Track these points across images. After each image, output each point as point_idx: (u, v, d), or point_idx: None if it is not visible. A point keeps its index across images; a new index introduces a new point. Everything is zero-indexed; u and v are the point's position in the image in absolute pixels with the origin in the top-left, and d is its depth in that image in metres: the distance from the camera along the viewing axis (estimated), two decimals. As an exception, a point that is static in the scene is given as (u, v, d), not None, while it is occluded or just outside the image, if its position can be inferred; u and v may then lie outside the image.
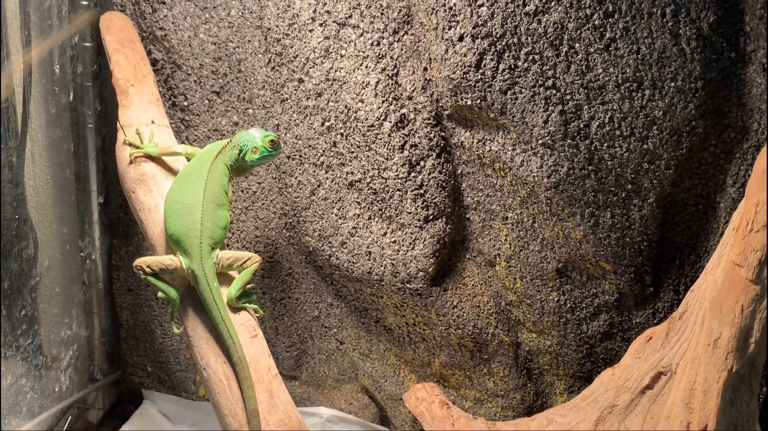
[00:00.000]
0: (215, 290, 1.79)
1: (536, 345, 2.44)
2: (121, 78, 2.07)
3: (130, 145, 2.00)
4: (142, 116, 2.04)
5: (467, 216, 2.36)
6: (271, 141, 2.00)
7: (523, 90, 2.05)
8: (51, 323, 2.26)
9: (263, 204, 2.45)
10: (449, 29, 2.03)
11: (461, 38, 2.02)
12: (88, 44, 2.34)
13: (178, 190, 1.85)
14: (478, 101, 2.07)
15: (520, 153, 2.14)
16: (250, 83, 2.33)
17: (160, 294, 1.83)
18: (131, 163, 1.98)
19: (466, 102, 2.09)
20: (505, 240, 2.32)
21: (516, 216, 2.26)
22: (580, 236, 2.20)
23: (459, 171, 2.30)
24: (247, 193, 2.45)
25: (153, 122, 2.05)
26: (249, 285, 1.89)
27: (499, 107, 2.07)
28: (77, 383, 2.48)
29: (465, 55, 2.03)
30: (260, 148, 1.99)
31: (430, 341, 2.46)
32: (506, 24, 2.00)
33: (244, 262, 1.86)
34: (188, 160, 2.01)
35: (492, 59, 2.03)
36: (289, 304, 2.59)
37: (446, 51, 2.05)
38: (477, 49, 2.02)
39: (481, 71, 2.04)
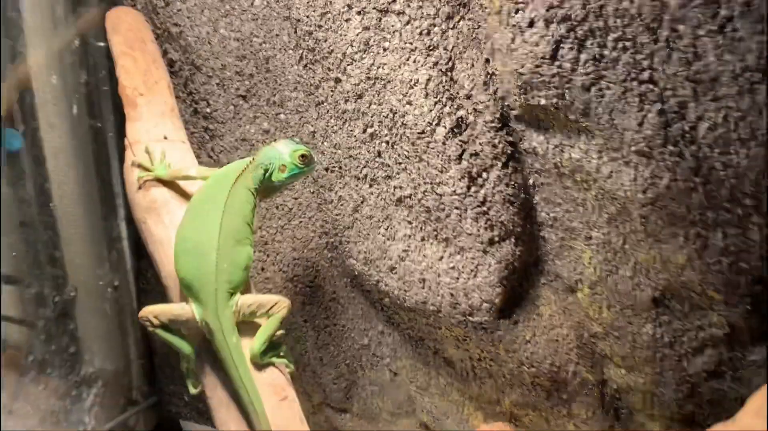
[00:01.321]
0: (234, 347, 1.48)
1: (626, 383, 2.06)
2: (129, 86, 1.77)
3: (139, 166, 1.71)
4: (152, 131, 1.75)
5: (542, 234, 1.97)
6: (302, 156, 1.68)
7: (611, 85, 1.63)
8: (70, 361, 2.02)
9: (301, 222, 2.13)
10: (516, 12, 1.63)
11: (531, 23, 1.62)
12: (102, 44, 2.06)
13: (190, 224, 1.54)
14: (555, 100, 1.67)
15: (608, 162, 1.73)
16: (280, 84, 1.99)
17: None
18: (140, 188, 1.68)
19: (539, 101, 1.69)
20: (589, 263, 1.93)
21: (602, 236, 1.86)
22: (683, 261, 1.79)
23: (531, 181, 1.90)
24: (283, 209, 2.13)
25: (165, 138, 1.75)
26: (279, 332, 1.57)
27: (581, 107, 1.66)
28: (105, 418, 2.25)
29: (536, 44, 1.63)
30: (289, 166, 1.67)
31: (499, 378, 2.11)
32: (589, 4, 1.58)
33: (270, 308, 1.55)
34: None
35: (571, 48, 1.62)
36: (334, 332, 2.28)
37: (513, 40, 1.66)
38: (552, 36, 1.61)
39: (557, 63, 1.63)
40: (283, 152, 1.67)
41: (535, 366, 2.01)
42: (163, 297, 2.46)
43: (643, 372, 1.99)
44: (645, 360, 1.96)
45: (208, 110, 2.06)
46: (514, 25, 1.65)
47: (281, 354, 1.59)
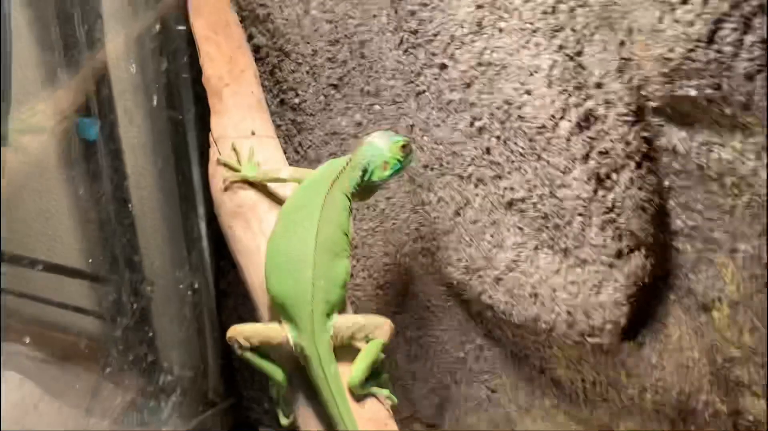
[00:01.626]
0: (332, 376, 1.29)
1: (765, 415, 1.78)
2: (213, 75, 1.60)
3: (225, 165, 1.53)
4: (239, 125, 1.56)
5: (675, 245, 1.71)
6: (403, 147, 1.46)
7: (782, 73, 1.35)
8: (148, 369, 1.89)
9: (394, 224, 1.92)
10: (667, -15, 1.36)
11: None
12: (182, 28, 1.89)
13: (282, 235, 1.35)
14: (709, 91, 1.40)
15: (769, 164, 1.45)
16: (376, 72, 1.78)
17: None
18: (226, 189, 1.50)
19: (687, 92, 1.43)
20: (731, 279, 1.66)
21: (751, 250, 1.59)
22: None
23: (667, 184, 1.64)
24: (374, 210, 1.93)
25: (253, 133, 1.57)
26: (380, 357, 1.38)
27: (742, 99, 1.38)
28: (182, 422, 2.12)
29: (691, 24, 1.36)
30: (391, 161, 1.46)
31: (615, 403, 1.87)
32: (764, -28, 1.30)
33: (371, 332, 1.34)
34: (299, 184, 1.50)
35: (734, 29, 1.34)
36: (427, 344, 2.07)
37: (660, 18, 1.39)
38: (711, 14, 1.34)
39: (715, 47, 1.36)
40: (382, 147, 1.46)
41: (660, 393, 1.76)
42: (245, 300, 2.32)
43: None
44: None
45: (296, 101, 1.87)
46: (662, 1, 1.38)
47: (381, 383, 1.39)
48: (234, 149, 1.54)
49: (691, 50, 1.37)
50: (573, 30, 1.53)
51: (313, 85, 1.83)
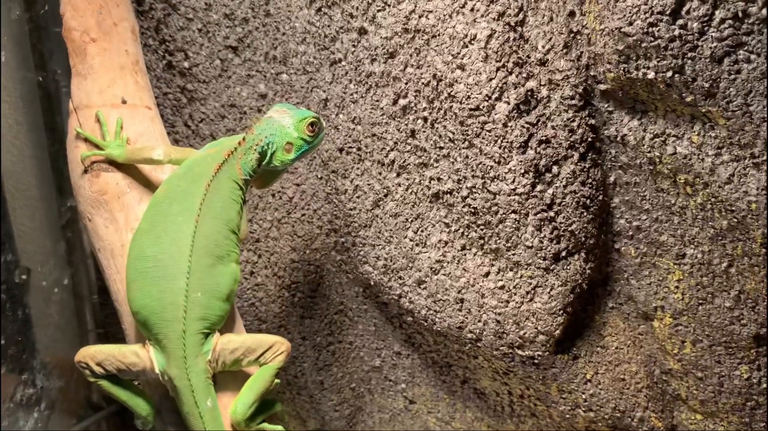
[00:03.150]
0: (208, 414, 1.02)
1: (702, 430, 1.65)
2: (76, 28, 1.28)
3: (85, 140, 1.22)
4: (106, 91, 1.26)
5: (617, 246, 1.53)
6: (311, 125, 1.20)
7: (753, 57, 1.16)
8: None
9: (304, 215, 1.66)
10: (630, -55, 1.14)
11: (651, -38, 1.13)
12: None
13: (148, 233, 1.06)
14: (669, 73, 1.19)
15: (730, 162, 1.27)
16: (283, 34, 1.50)
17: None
18: (86, 171, 1.20)
19: (644, 74, 1.22)
20: (677, 287, 1.50)
21: (701, 255, 1.43)
22: (811, 296, 1.35)
23: (612, 179, 1.45)
24: (280, 198, 1.66)
25: (124, 102, 1.26)
26: (274, 383, 1.12)
27: (706, 85, 1.19)
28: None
29: (655, -7, 1.14)
30: (296, 142, 1.20)
31: (543, 418, 1.69)
32: (744, -66, 1.10)
33: (262, 354, 1.08)
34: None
35: (703, 2, 1.14)
36: (339, 351, 1.83)
37: (620, -16, 1.17)
38: (679, -19, 1.12)
39: (680, 22, 1.16)
40: (286, 124, 1.19)
41: (594, 410, 1.59)
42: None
43: (726, 421, 1.60)
44: (732, 407, 1.57)
45: (186, 65, 1.56)
46: (624, -36, 1.16)
47: (273, 417, 1.13)
48: (98, 120, 1.23)
49: (653, 24, 1.16)
50: (515, -5, 1.29)
51: (206, 47, 1.53)
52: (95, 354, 1.05)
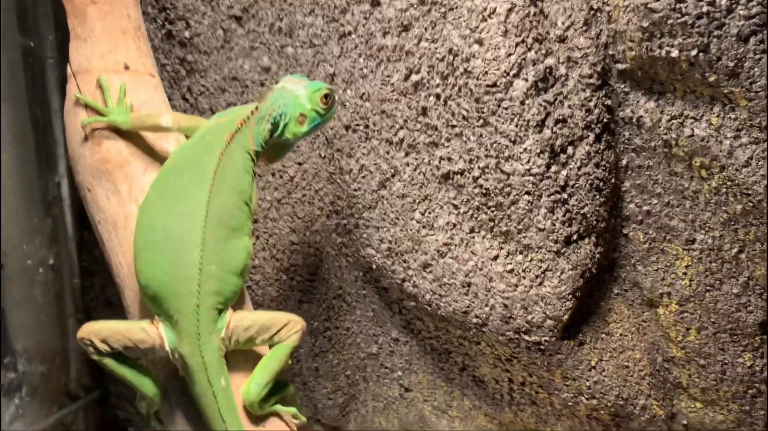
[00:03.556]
0: (222, 392, 0.97)
1: (700, 419, 1.66)
2: (75, -13, 1.20)
3: (86, 107, 1.15)
4: (108, 56, 1.19)
5: (625, 231, 1.51)
6: (325, 96, 1.16)
7: (781, 36, 1.14)
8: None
9: (304, 196, 1.61)
10: None
11: (682, -66, 1.11)
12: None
13: (159, 203, 1.01)
14: (694, 52, 1.17)
15: (749, 144, 1.26)
16: (290, 5, 1.45)
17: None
18: (86, 139, 1.13)
19: (668, 52, 1.20)
20: (685, 273, 1.49)
21: (711, 241, 1.42)
22: (821, 282, 1.35)
23: (624, 162, 1.43)
24: (281, 177, 1.60)
25: (127, 68, 1.20)
26: (289, 362, 1.07)
27: (731, 64, 1.17)
28: (33, 420, 1.73)
29: (685, -33, 1.12)
30: (310, 114, 1.15)
31: (544, 406, 1.67)
32: None
33: (276, 333, 1.03)
34: (186, 137, 1.15)
35: (734, -24, 1.12)
36: (335, 337, 1.79)
37: (648, -42, 1.14)
38: (710, -45, 1.10)
39: (708, 0, 1.13)
40: (300, 95, 1.14)
41: (597, 397, 1.57)
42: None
43: (726, 409, 1.59)
44: (732, 396, 1.56)
45: (186, 34, 1.49)
46: (654, -64, 1.13)
47: (287, 398, 1.08)
48: (100, 86, 1.17)
49: (681, 0, 1.13)
50: (537, -32, 1.26)
51: (209, 16, 1.47)
52: (100, 330, 0.99)
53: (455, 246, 1.48)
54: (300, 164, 1.59)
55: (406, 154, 1.46)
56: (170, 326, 0.99)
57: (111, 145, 1.14)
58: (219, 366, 0.99)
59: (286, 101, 1.14)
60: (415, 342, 1.76)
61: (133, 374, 1.01)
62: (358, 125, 1.48)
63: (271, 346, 1.06)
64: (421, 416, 1.88)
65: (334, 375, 1.85)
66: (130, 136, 1.16)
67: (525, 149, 1.33)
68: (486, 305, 1.49)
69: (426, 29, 1.33)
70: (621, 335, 1.58)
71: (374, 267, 1.61)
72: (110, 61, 1.20)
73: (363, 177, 1.52)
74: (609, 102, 1.36)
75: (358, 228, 1.58)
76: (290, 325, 1.05)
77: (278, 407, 1.07)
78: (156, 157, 1.17)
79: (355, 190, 1.54)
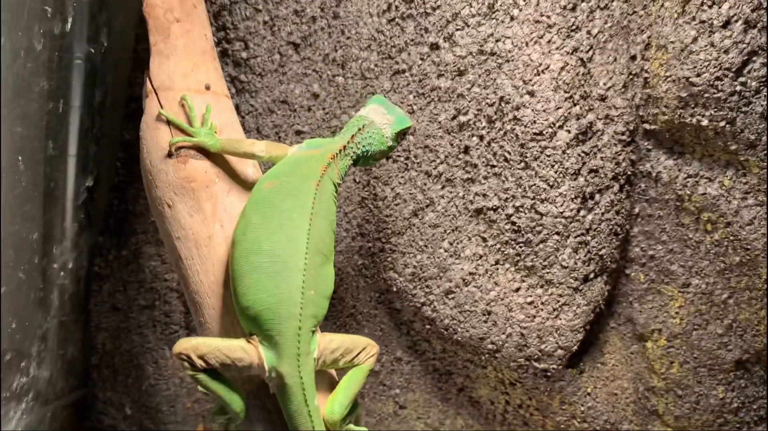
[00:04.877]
0: (315, 411, 1.02)
1: None
2: (160, 5, 1.22)
3: (169, 124, 1.17)
4: (191, 76, 1.22)
5: (628, 272, 1.65)
6: (403, 132, 1.23)
7: (796, 117, 1.32)
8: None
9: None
10: (711, 6, 1.26)
11: (727, 23, 1.27)
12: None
13: (263, 226, 1.05)
14: (722, 123, 1.33)
15: (754, 206, 1.43)
16: (348, 38, 1.51)
17: (215, 397, 1.05)
18: (170, 155, 1.15)
19: (698, 120, 1.35)
20: (677, 312, 1.65)
21: (705, 286, 1.58)
22: (798, 328, 1.54)
23: (637, 210, 1.57)
24: (315, 198, 1.65)
25: (208, 88, 1.22)
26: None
27: (751, 138, 1.34)
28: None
29: (726, 51, 1.28)
30: (387, 149, 1.22)
31: (535, 427, 1.80)
32: (812, 12, 1.26)
33: (357, 356, 1.10)
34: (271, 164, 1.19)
35: (765, 64, 1.29)
36: (342, 353, 1.83)
37: (695, 39, 1.30)
38: (749, 44, 1.27)
39: (742, 80, 1.30)
40: (386, 134, 1.21)
41: (588, 421, 1.71)
42: (126, 288, 1.89)
43: None
44: (702, 424, 1.74)
45: (243, 55, 1.52)
46: (703, 21, 1.29)
47: (357, 419, 1.15)
48: (184, 104, 1.19)
49: (719, 78, 1.29)
50: (589, 33, 1.39)
51: (268, 40, 1.51)
52: (198, 346, 1.02)
53: (479, 276, 1.59)
54: (334, 187, 1.65)
55: (443, 187, 1.55)
56: (269, 346, 1.03)
57: (197, 165, 1.16)
58: (313, 386, 1.04)
59: (372, 140, 1.20)
60: (418, 362, 1.84)
61: (225, 390, 1.04)
62: (399, 156, 1.55)
63: (345, 368, 1.12)
64: (412, 432, 1.96)
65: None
66: (215, 156, 1.19)
67: (560, 194, 1.46)
68: (503, 333, 1.60)
69: (480, 76, 1.43)
70: (613, 365, 1.73)
71: (395, 289, 1.68)
72: (192, 80, 1.23)
73: (396, 204, 1.60)
74: (633, 157, 1.51)
75: (383, 252, 1.66)
76: (368, 349, 1.12)
77: (353, 427, 1.13)
78: (236, 179, 1.20)
79: (387, 216, 1.61)
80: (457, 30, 1.41)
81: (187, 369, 1.02)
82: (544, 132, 1.41)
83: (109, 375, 1.96)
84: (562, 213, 1.47)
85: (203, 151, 1.18)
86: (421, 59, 1.46)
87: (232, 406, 1.05)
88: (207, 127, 1.18)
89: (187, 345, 1.02)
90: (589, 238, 1.51)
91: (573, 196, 1.45)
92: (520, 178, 1.47)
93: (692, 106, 1.35)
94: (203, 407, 1.93)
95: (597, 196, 1.49)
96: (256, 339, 1.04)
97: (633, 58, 1.42)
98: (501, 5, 1.38)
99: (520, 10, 1.38)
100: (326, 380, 1.15)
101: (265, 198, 1.09)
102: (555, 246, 1.50)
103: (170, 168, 1.17)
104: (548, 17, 1.37)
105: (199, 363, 1.02)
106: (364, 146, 1.19)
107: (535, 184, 1.46)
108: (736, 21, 1.26)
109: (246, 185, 1.20)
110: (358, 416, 1.17)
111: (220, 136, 1.20)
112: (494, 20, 1.39)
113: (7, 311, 1.40)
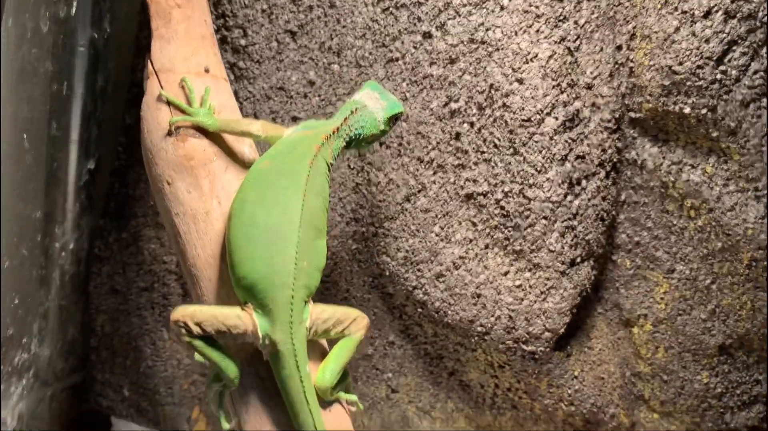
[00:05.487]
0: (306, 377, 1.07)
1: (656, 428, 1.87)
2: (162, -11, 1.27)
3: (169, 104, 1.22)
4: (191, 59, 1.26)
5: (614, 258, 1.70)
6: (395, 117, 1.28)
7: (774, 105, 1.37)
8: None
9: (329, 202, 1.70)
10: (692, -4, 1.31)
11: (708, 13, 1.32)
12: None
13: (258, 202, 1.10)
14: (704, 111, 1.38)
15: (735, 193, 1.48)
16: (343, 26, 1.55)
17: (206, 362, 1.10)
18: (170, 134, 1.20)
19: (680, 108, 1.40)
20: (662, 298, 1.70)
21: (689, 272, 1.63)
22: (778, 313, 1.59)
23: (623, 197, 1.62)
24: (310, 183, 1.69)
25: (207, 71, 1.27)
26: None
27: (731, 125, 1.39)
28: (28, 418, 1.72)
29: (707, 41, 1.33)
30: (379, 133, 1.27)
31: (524, 411, 1.84)
32: (789, 3, 1.31)
33: (347, 326, 1.14)
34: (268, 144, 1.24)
35: (744, 53, 1.34)
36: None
37: (677, 29, 1.35)
38: (729, 34, 1.32)
39: (722, 68, 1.35)
40: (379, 118, 1.26)
41: (575, 404, 1.75)
42: (125, 270, 1.93)
43: (680, 420, 1.81)
44: (687, 408, 1.78)
45: (242, 42, 1.57)
46: (684, 12, 1.34)
47: (348, 387, 1.19)
48: (184, 85, 1.24)
49: (700, 67, 1.34)
50: (576, 23, 1.44)
51: (266, 28, 1.56)
52: (194, 313, 1.06)
53: (469, 260, 1.63)
54: (329, 173, 1.69)
55: (434, 173, 1.59)
56: (263, 314, 1.08)
57: (196, 143, 1.21)
58: (305, 353, 1.09)
59: (364, 123, 1.25)
60: (410, 346, 1.89)
61: (220, 356, 1.08)
62: (392, 142, 1.60)
63: (337, 339, 1.17)
64: (404, 416, 2.00)
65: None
66: (213, 136, 1.23)
67: (548, 179, 1.50)
68: (492, 315, 1.65)
69: (471, 64, 1.48)
70: (600, 349, 1.77)
71: (387, 274, 1.73)
72: (192, 63, 1.27)
73: (389, 190, 1.64)
74: (619, 144, 1.56)
75: (376, 237, 1.70)
76: (358, 320, 1.17)
77: (343, 394, 1.18)
78: (234, 157, 1.25)
79: (380, 201, 1.66)
80: (449, 19, 1.46)
81: (183, 335, 1.07)
82: (532, 118, 1.46)
83: (107, 357, 2.00)
84: (549, 197, 1.51)
85: (202, 131, 1.22)
86: (414, 47, 1.51)
87: (226, 372, 1.09)
88: (206, 108, 1.23)
89: (184, 312, 1.07)
90: (575, 223, 1.56)
91: (560, 181, 1.50)
92: (509, 163, 1.52)
93: (675, 94, 1.40)
94: (200, 389, 1.97)
95: (584, 182, 1.54)
96: (251, 307, 1.08)
97: (619, 47, 1.47)
98: (492, -5, 1.43)
99: (510, 0, 1.43)
100: (318, 350, 1.19)
101: (261, 175, 1.14)
102: (542, 230, 1.55)
103: (170, 146, 1.21)
104: (537, 7, 1.42)
105: (196, 330, 1.06)
106: (356, 128, 1.24)
107: (523, 170, 1.51)
108: (717, 11, 1.31)
109: (243, 164, 1.24)
110: (348, 384, 1.21)
111: (218, 116, 1.25)
112: (485, 10, 1.43)
113: (10, 287, 1.45)
